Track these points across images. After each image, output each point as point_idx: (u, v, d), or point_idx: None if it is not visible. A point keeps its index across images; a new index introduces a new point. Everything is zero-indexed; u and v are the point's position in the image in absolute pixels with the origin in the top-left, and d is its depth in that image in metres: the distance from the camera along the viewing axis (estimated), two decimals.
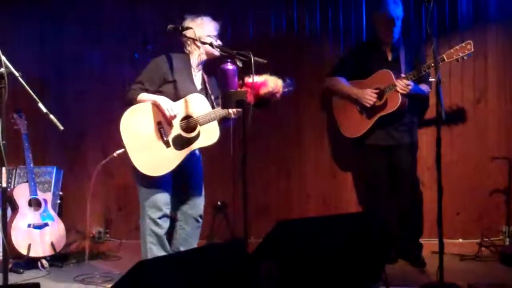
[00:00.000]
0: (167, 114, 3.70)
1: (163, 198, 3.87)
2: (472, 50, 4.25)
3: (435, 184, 3.69)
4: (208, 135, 3.83)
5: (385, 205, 4.62)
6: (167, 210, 3.90)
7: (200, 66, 3.99)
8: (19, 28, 5.33)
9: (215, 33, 3.91)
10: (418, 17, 5.00)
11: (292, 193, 5.26)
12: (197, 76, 3.98)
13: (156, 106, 3.75)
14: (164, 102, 3.73)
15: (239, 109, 3.55)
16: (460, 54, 4.26)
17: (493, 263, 4.58)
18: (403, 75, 4.40)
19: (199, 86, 3.96)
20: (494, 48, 5.02)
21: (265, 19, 5.20)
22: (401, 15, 4.57)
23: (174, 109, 3.73)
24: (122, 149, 3.75)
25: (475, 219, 5.03)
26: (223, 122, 3.94)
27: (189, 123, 3.81)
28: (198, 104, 3.85)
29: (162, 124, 3.76)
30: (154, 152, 3.74)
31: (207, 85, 3.99)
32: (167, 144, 3.76)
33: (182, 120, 3.81)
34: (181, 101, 3.81)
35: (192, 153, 3.92)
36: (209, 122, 3.81)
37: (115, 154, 3.72)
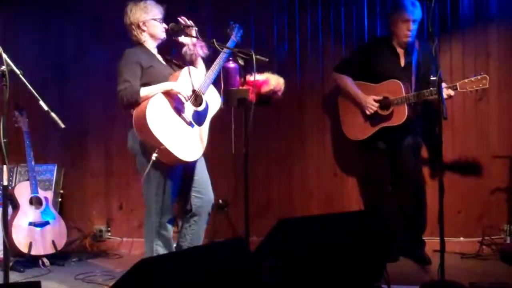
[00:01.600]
0: (185, 96, 3.69)
1: (172, 200, 3.85)
2: (487, 86, 4.22)
3: (436, 182, 3.69)
4: (213, 99, 3.84)
5: (387, 203, 4.62)
6: (173, 212, 3.90)
7: (156, 50, 3.98)
8: (21, 25, 5.33)
9: (159, 16, 3.89)
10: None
11: (294, 191, 5.26)
12: (160, 58, 3.98)
13: (166, 94, 3.71)
14: (175, 86, 3.70)
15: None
16: (474, 86, 4.23)
17: (494, 262, 4.58)
18: (444, 84, 4.28)
19: (167, 64, 3.97)
20: (496, 46, 5.00)
21: (267, 18, 5.20)
22: (419, 17, 4.52)
23: (186, 90, 3.73)
24: (156, 150, 3.63)
25: (476, 217, 5.03)
26: None
27: (196, 97, 3.82)
28: (194, 76, 3.85)
29: (178, 108, 3.74)
30: (187, 137, 3.73)
31: (173, 61, 3.99)
32: (190, 124, 3.76)
33: (190, 96, 3.81)
34: (179, 79, 3.78)
35: None
36: (208, 86, 3.81)
37: (153, 158, 3.64)
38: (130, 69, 3.77)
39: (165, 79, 3.78)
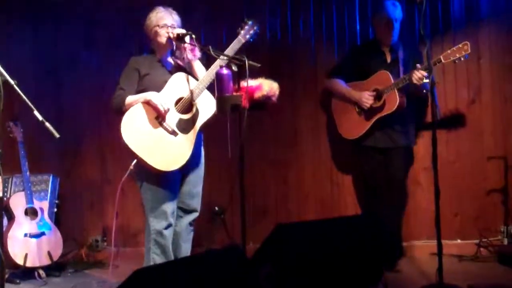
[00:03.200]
0: (161, 109, 3.69)
1: (169, 206, 3.84)
2: (469, 51, 4.23)
3: (432, 185, 3.69)
4: (206, 106, 3.80)
5: (383, 206, 4.62)
6: (172, 219, 3.87)
7: (168, 57, 3.96)
8: (14, 34, 5.31)
9: (160, 22, 3.85)
10: (411, 19, 5.00)
11: (290, 197, 5.25)
12: (168, 64, 3.95)
13: (147, 104, 3.73)
14: (154, 97, 3.71)
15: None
16: (457, 55, 4.24)
17: (492, 264, 4.59)
18: (419, 65, 4.33)
19: (173, 71, 3.93)
20: (487, 48, 5.03)
21: (260, 23, 5.19)
22: (400, 17, 4.60)
23: (165, 101, 3.72)
24: (135, 160, 3.65)
25: (473, 219, 5.03)
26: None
27: (184, 104, 3.80)
28: (182, 83, 3.83)
29: (160, 117, 3.74)
30: (166, 146, 3.72)
31: (182, 66, 3.95)
32: (174, 133, 3.75)
33: (176, 104, 3.79)
34: (166, 87, 3.79)
35: (197, 156, 3.93)
36: (201, 93, 3.79)
37: (131, 167, 3.65)
38: (127, 76, 3.87)
39: (159, 87, 3.78)
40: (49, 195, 4.99)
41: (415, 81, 4.32)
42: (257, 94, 3.72)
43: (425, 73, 4.30)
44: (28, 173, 4.63)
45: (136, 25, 5.20)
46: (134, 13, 5.24)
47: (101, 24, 5.32)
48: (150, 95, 3.72)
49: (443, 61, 4.27)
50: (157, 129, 3.74)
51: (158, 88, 3.77)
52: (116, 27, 5.32)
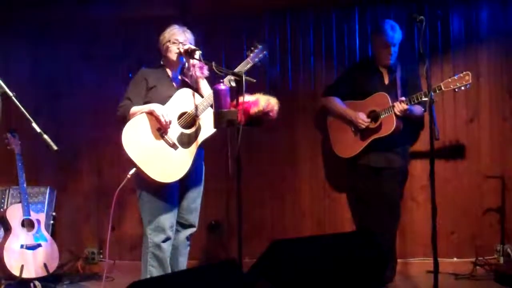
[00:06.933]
0: (162, 120, 3.71)
1: (168, 219, 3.84)
2: (470, 81, 4.24)
3: (429, 203, 3.69)
4: (209, 123, 3.78)
5: (376, 223, 4.60)
6: (170, 233, 3.87)
7: (178, 73, 4.00)
8: (13, 47, 5.34)
9: (180, 38, 3.90)
10: (410, 37, 5.03)
11: (287, 213, 5.25)
12: (177, 80, 3.99)
13: (150, 114, 3.75)
14: (157, 109, 3.73)
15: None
16: (458, 84, 4.25)
17: (488, 282, 4.57)
18: (403, 98, 4.38)
19: (180, 87, 3.96)
20: (486, 67, 5.05)
21: (259, 39, 5.22)
22: (399, 40, 4.58)
23: (168, 114, 3.74)
24: (134, 169, 3.67)
25: (469, 238, 5.03)
26: None
27: (187, 119, 3.82)
28: (187, 98, 3.86)
29: (162, 129, 3.76)
30: (166, 158, 3.74)
31: (189, 83, 3.98)
32: (174, 146, 3.77)
33: (179, 118, 3.82)
34: (170, 101, 3.82)
35: (198, 172, 3.93)
36: (205, 110, 3.81)
37: (128, 176, 3.67)
38: (135, 86, 3.90)
39: (164, 101, 3.81)
40: (45, 207, 4.99)
41: (398, 113, 4.36)
42: (254, 110, 3.72)
43: (406, 106, 4.34)
44: (25, 185, 4.63)
45: (135, 41, 5.27)
46: (132, 30, 5.30)
47: (100, 40, 5.34)
48: (153, 106, 3.75)
49: (443, 89, 4.28)
50: (158, 140, 3.75)
51: (163, 102, 3.81)
52: (114, 44, 5.35)
